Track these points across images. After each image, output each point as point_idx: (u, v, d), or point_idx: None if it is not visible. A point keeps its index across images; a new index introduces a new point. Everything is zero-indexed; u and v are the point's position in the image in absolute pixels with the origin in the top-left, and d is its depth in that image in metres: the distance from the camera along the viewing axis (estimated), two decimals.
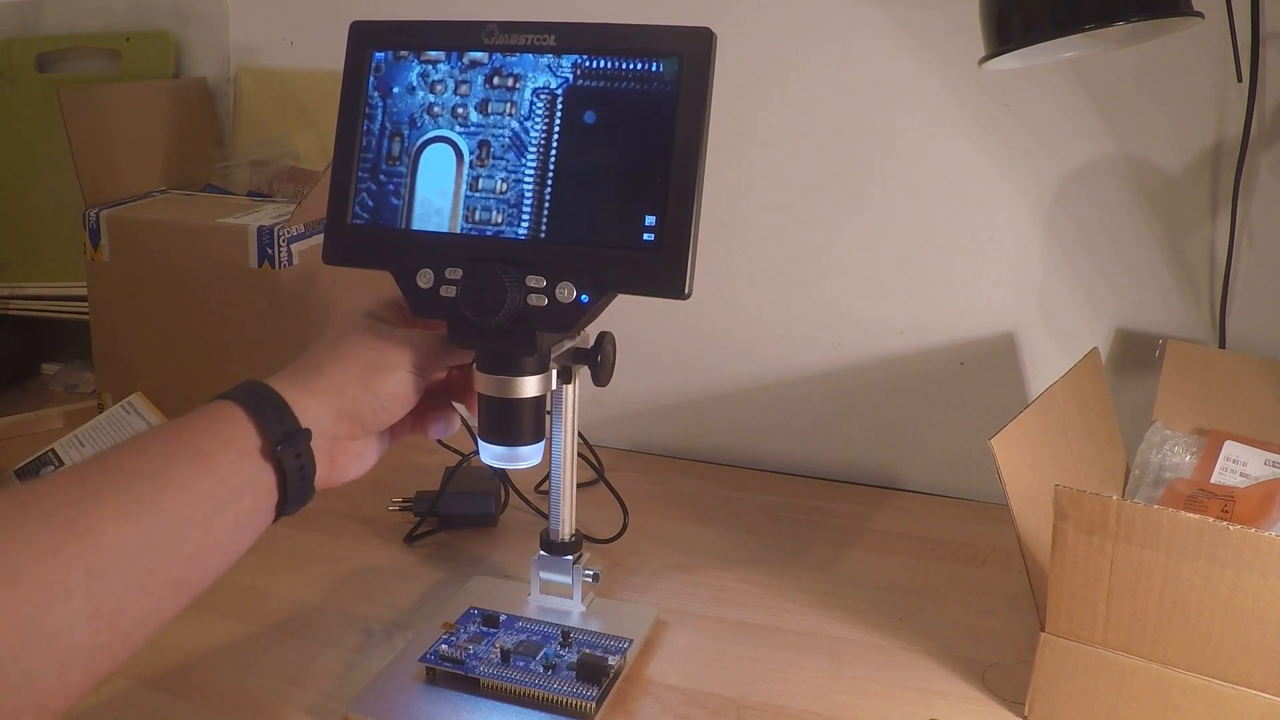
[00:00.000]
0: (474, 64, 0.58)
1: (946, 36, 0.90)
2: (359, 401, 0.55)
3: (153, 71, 1.17)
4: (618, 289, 0.56)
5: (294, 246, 0.93)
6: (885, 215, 0.96)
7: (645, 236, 0.55)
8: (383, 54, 0.60)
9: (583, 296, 0.56)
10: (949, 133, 0.92)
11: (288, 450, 0.50)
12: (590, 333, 0.65)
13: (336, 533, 0.86)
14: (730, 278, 1.01)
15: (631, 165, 0.55)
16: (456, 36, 0.58)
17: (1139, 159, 0.89)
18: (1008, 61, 0.71)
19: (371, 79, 0.60)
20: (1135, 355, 0.93)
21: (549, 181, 0.57)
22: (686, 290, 0.54)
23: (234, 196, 1.09)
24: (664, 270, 0.54)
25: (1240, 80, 0.82)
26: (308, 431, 0.52)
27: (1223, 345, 0.89)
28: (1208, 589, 0.56)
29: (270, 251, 0.91)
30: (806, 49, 0.95)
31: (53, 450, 0.90)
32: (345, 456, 0.57)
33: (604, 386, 0.65)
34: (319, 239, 0.94)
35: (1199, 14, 0.67)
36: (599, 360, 0.65)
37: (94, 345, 1.00)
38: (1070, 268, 0.93)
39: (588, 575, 0.72)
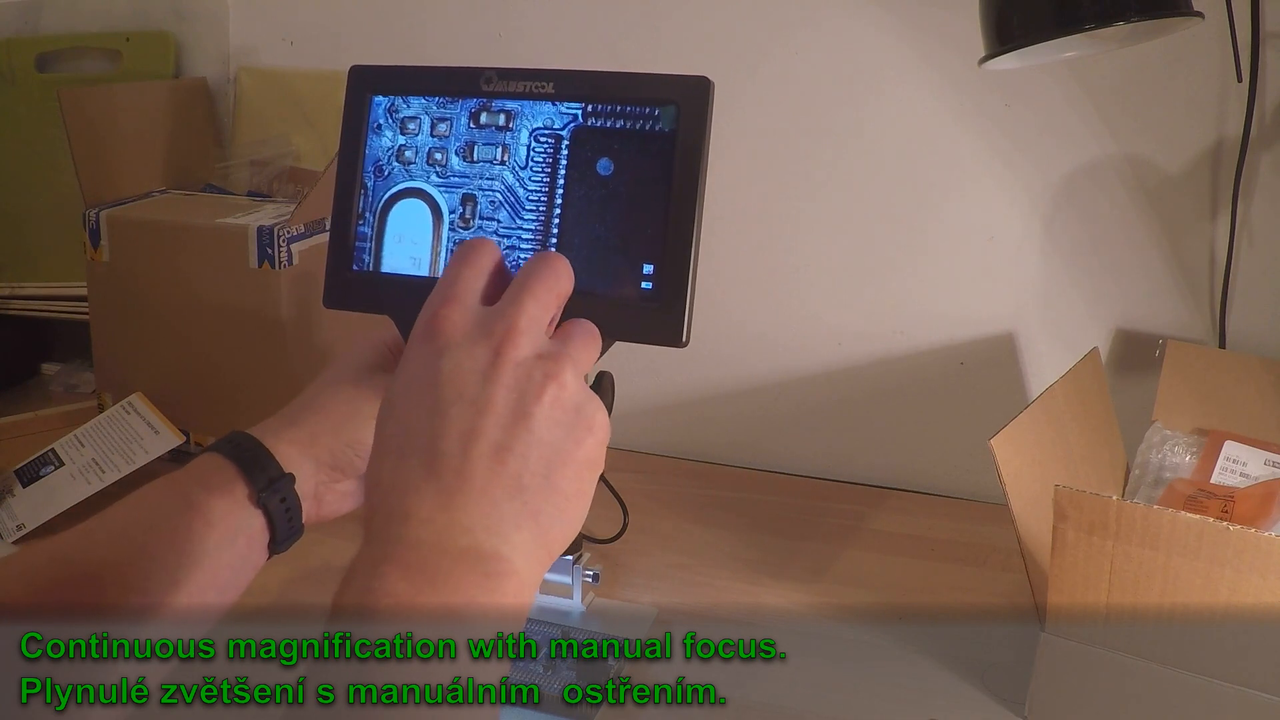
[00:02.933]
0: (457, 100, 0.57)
1: (947, 36, 0.90)
2: (334, 451, 0.55)
3: (153, 71, 1.17)
4: (615, 337, 0.56)
5: (294, 246, 0.92)
6: (885, 215, 0.96)
7: (643, 285, 0.54)
8: (382, 98, 0.59)
9: None
10: (949, 133, 0.92)
11: (272, 496, 0.52)
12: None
13: (335, 533, 0.86)
14: (730, 279, 1.01)
15: (629, 213, 0.55)
16: (456, 82, 0.58)
17: (1139, 159, 0.89)
18: (1008, 61, 0.71)
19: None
20: (1135, 355, 0.93)
21: (550, 237, 0.56)
22: (684, 339, 0.54)
23: (234, 196, 1.08)
24: (661, 319, 0.54)
25: (1240, 80, 0.82)
26: (290, 477, 0.53)
27: (1223, 345, 0.88)
28: (1208, 589, 0.56)
29: (270, 251, 0.91)
30: (803, 48, 0.95)
31: (53, 450, 0.90)
32: (332, 496, 0.57)
33: None
34: (319, 239, 0.94)
35: (1199, 14, 0.67)
36: None
37: (94, 345, 1.00)
38: (1070, 268, 0.93)
39: (587, 575, 0.72)
